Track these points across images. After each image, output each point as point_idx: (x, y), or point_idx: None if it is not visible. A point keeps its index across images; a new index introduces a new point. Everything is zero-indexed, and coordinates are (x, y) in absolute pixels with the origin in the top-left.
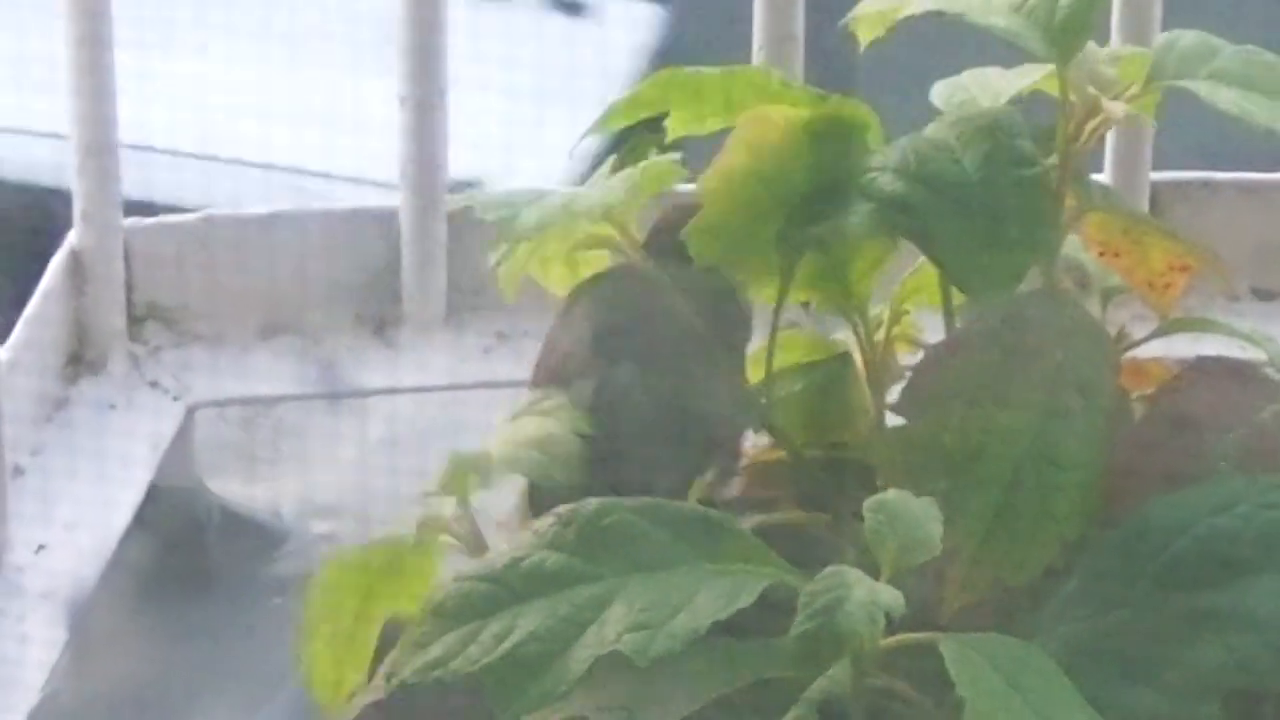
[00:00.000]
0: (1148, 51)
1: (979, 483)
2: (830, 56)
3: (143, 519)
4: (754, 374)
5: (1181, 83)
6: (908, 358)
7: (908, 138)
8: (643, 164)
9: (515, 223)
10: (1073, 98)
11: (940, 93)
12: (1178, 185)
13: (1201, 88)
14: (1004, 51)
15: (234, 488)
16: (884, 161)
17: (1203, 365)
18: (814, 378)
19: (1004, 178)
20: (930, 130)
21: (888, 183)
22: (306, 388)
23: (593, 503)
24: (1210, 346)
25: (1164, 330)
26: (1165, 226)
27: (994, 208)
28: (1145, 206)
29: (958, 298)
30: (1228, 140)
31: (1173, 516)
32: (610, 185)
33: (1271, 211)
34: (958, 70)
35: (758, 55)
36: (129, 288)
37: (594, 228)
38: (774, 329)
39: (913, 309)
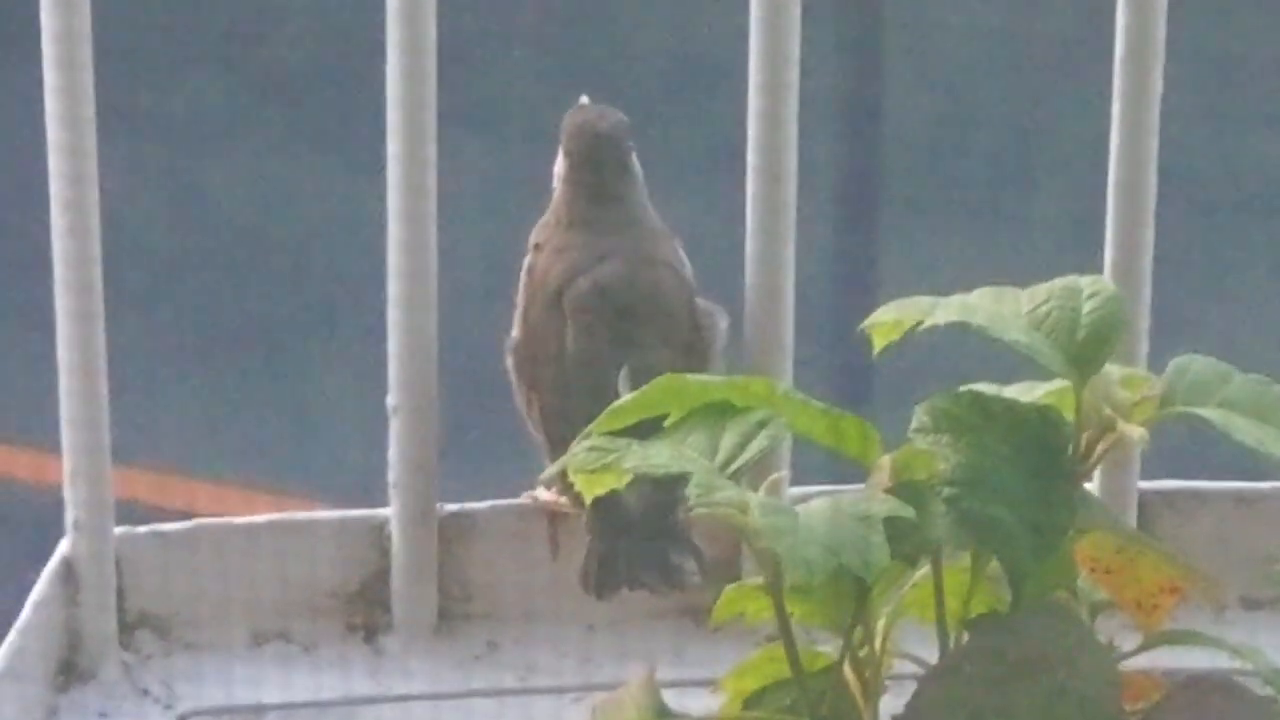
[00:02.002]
0: (1148, 375)
1: None
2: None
3: None
4: (743, 686)
5: (1196, 410)
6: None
7: (952, 442)
8: None
9: None
10: (1088, 416)
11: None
12: (1165, 494)
13: (1216, 416)
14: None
15: None
16: (951, 475)
17: (1193, 683)
18: (807, 690)
19: (1051, 485)
20: (976, 437)
21: (965, 498)
22: (297, 696)
23: None
24: (1198, 656)
25: (1152, 643)
26: (1159, 546)
27: (1044, 514)
28: (1133, 515)
29: (952, 615)
30: (1202, 444)
31: None
32: None
33: (1260, 522)
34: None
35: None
36: (120, 595)
37: None
38: (848, 647)
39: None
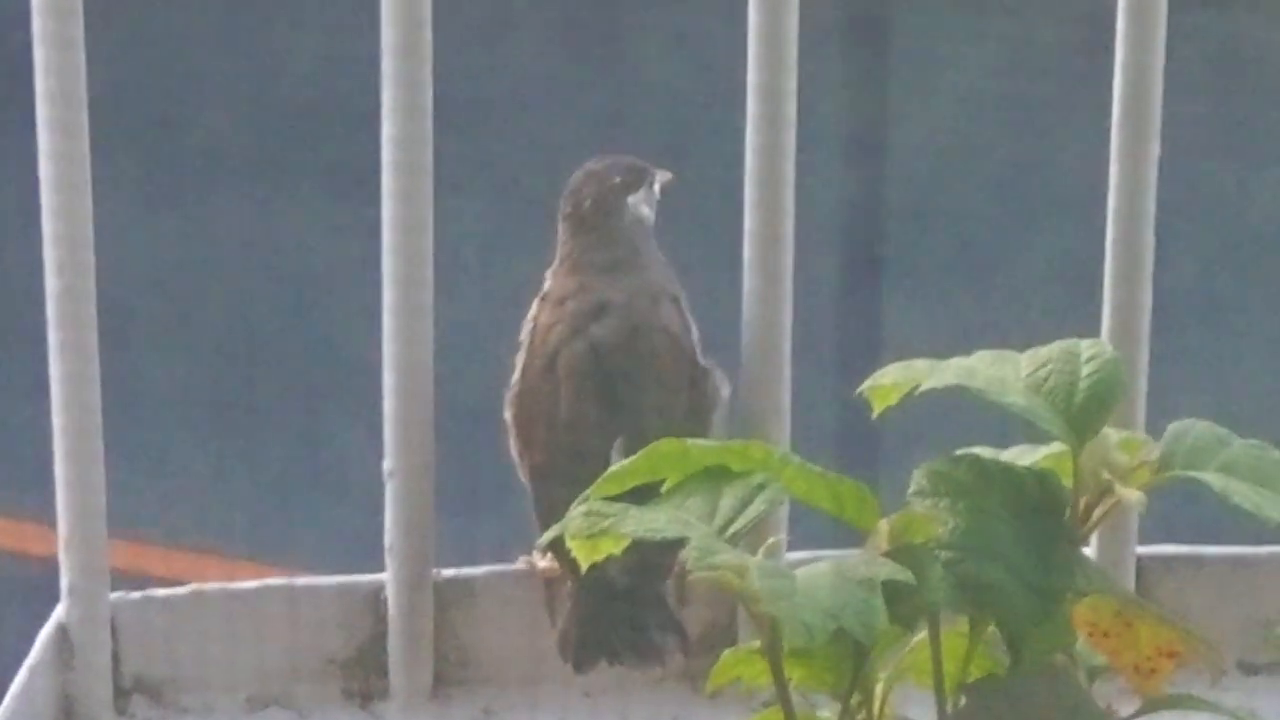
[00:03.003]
0: (1147, 439)
1: None
2: None
3: None
4: None
5: (1194, 474)
6: None
7: (950, 505)
8: None
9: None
10: (1085, 480)
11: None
12: (1163, 559)
13: (1214, 480)
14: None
15: None
16: (949, 538)
17: None
18: None
19: (1050, 548)
20: (974, 500)
21: (963, 561)
22: None
23: None
24: None
25: (1150, 708)
26: (1157, 610)
27: (1043, 577)
28: (1131, 579)
29: (950, 678)
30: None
31: None
32: None
33: (1258, 587)
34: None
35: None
36: (116, 661)
37: None
38: (846, 712)
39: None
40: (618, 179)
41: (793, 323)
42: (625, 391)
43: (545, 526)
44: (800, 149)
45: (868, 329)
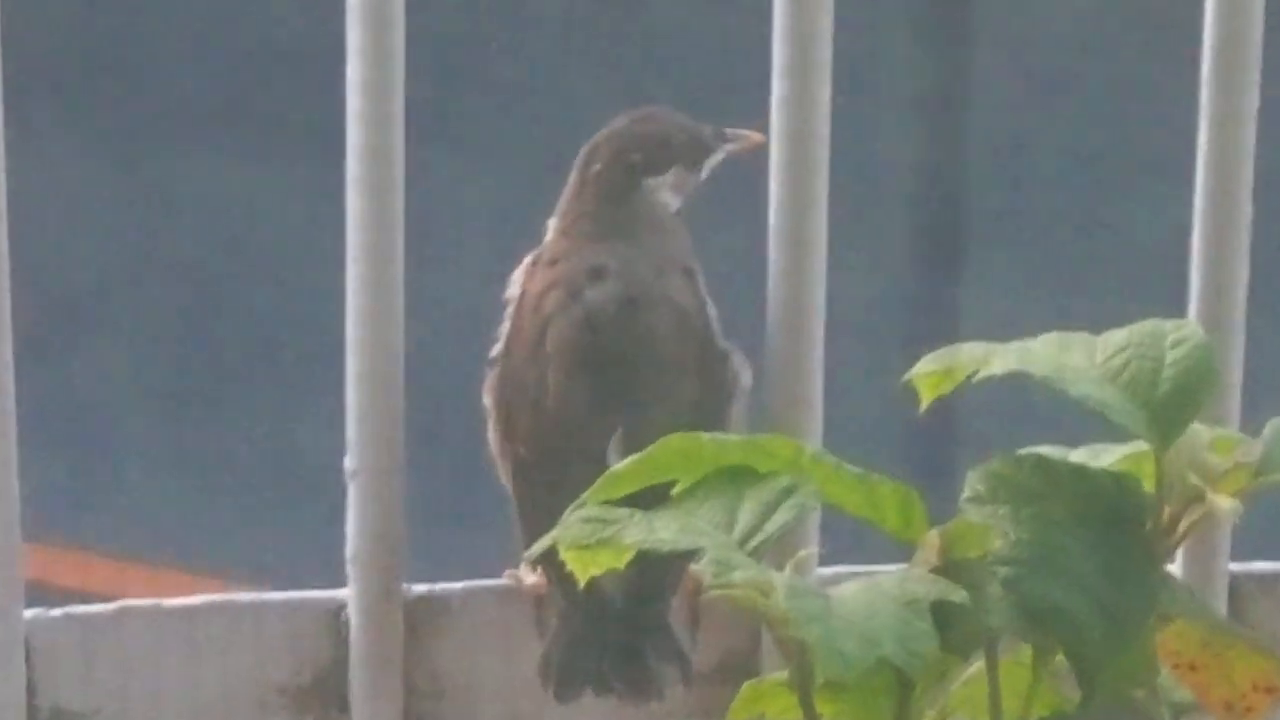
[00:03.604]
0: (1242, 437)
1: None
2: None
3: None
4: None
5: None
6: None
7: (1011, 514)
8: None
9: None
10: (1171, 485)
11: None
12: (1262, 579)
13: None
14: None
15: None
16: (1010, 552)
17: None
18: None
19: (1128, 565)
20: (1039, 508)
21: (1026, 579)
22: None
23: None
24: None
25: None
26: (1253, 638)
27: (1119, 599)
28: (1223, 602)
29: (1010, 716)
30: None
31: None
32: None
33: None
34: None
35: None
36: (31, 689)
37: None
38: None
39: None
40: (637, 156)
41: (856, 304)
42: (622, 374)
43: (529, 533)
44: (866, 106)
45: (943, 309)
